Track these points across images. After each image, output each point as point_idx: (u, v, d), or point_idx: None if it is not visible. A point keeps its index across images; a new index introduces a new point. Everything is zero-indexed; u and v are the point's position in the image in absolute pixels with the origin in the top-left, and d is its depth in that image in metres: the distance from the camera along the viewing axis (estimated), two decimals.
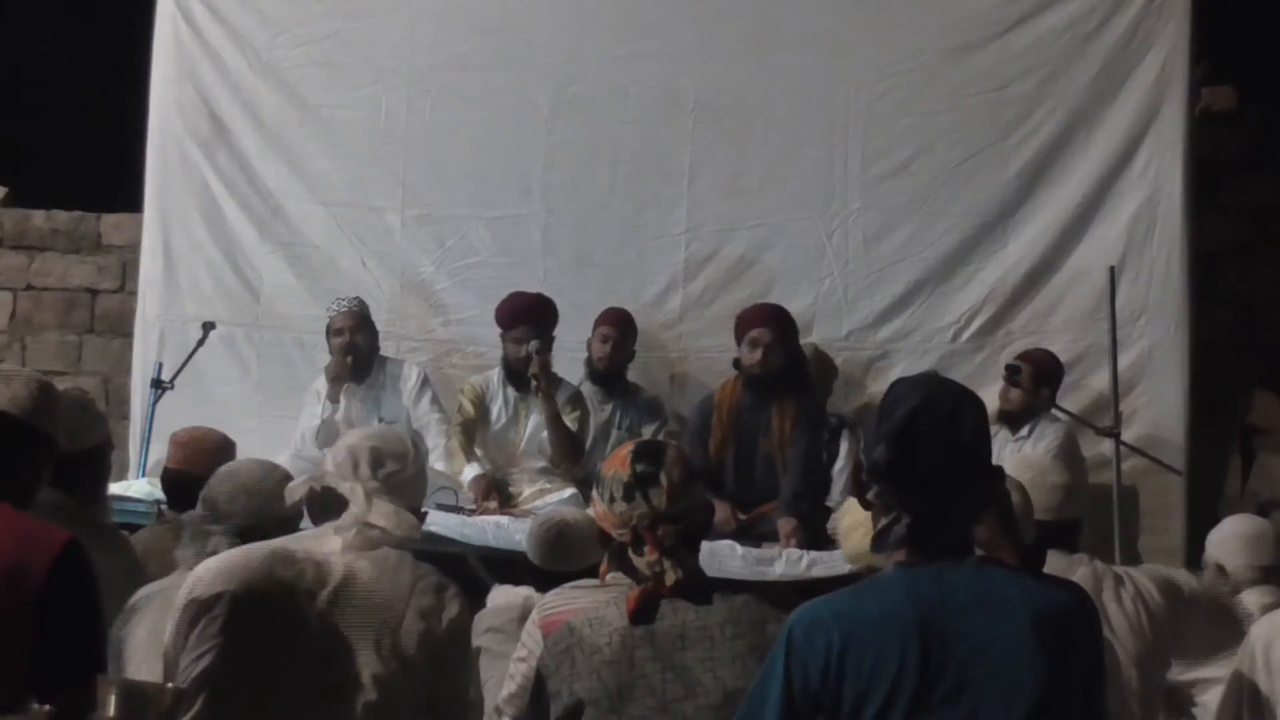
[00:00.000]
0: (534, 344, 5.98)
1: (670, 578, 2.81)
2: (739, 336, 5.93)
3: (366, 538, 2.94)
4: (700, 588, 2.84)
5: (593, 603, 2.91)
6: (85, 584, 2.68)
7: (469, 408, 6.20)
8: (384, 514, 2.96)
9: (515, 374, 6.13)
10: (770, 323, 5.89)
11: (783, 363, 5.85)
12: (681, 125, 6.61)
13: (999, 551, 2.89)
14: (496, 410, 6.22)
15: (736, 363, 5.94)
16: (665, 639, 2.77)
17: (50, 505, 3.07)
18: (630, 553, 2.86)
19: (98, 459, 3.69)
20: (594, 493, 2.98)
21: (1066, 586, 2.46)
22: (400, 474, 3.04)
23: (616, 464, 2.90)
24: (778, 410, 5.84)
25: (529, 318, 6.09)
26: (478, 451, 6.16)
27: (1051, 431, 5.87)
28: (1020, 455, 5.44)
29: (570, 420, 6.06)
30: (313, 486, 3.10)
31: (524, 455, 6.15)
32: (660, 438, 5.51)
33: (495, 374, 6.27)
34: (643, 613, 2.79)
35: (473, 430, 6.19)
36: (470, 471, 6.03)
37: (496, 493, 5.94)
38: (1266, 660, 3.61)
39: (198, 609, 2.85)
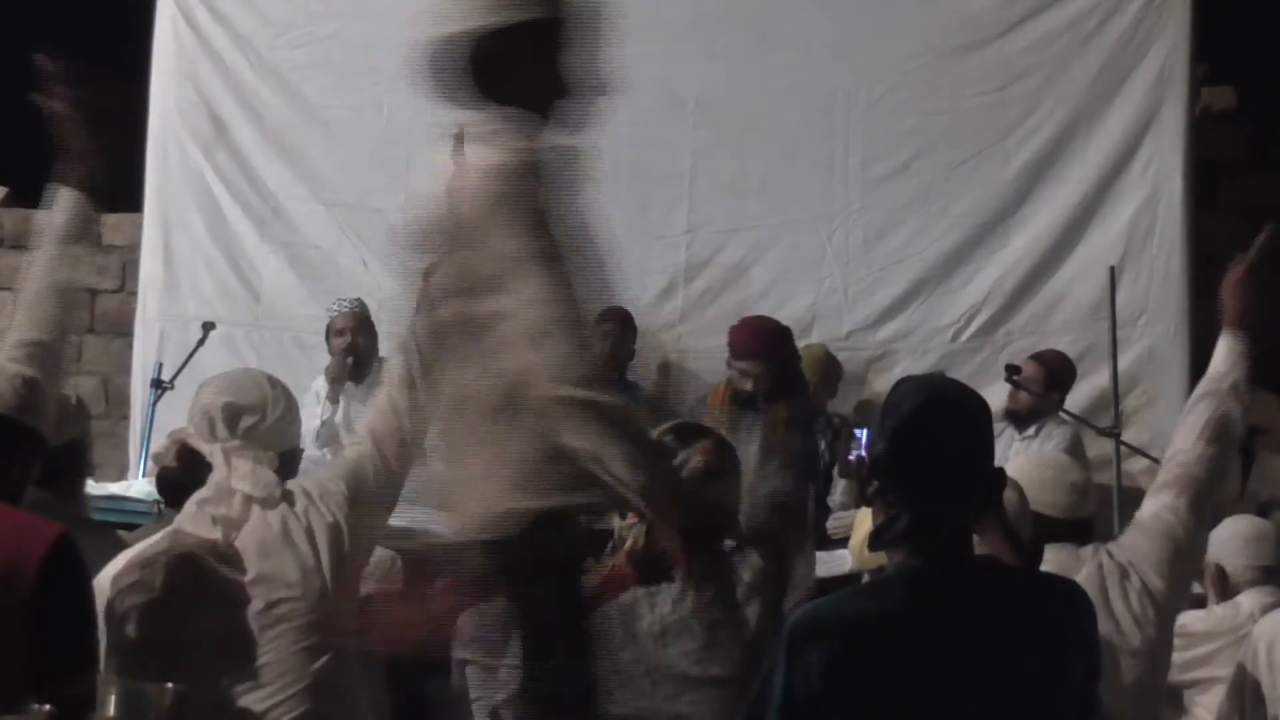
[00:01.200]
0: None
1: (630, 543, 2.74)
2: (731, 353, 5.84)
3: (230, 518, 2.85)
4: (656, 567, 2.76)
5: None
6: (79, 578, 2.67)
7: None
8: (242, 475, 2.87)
9: None
10: (762, 353, 5.69)
11: (774, 382, 5.79)
12: (681, 125, 6.60)
13: (998, 550, 2.89)
14: None
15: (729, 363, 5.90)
16: (647, 639, 2.72)
17: (35, 502, 3.04)
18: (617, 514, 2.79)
19: (77, 453, 3.64)
20: None
21: (1063, 584, 2.47)
22: (260, 424, 2.94)
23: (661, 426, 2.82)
24: (769, 414, 5.81)
25: None
26: None
27: (1059, 433, 5.83)
28: (1039, 452, 5.41)
29: None
30: (182, 442, 3.03)
31: None
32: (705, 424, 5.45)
33: None
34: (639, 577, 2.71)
35: None
36: None
37: None
38: (1269, 659, 3.62)
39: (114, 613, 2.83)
